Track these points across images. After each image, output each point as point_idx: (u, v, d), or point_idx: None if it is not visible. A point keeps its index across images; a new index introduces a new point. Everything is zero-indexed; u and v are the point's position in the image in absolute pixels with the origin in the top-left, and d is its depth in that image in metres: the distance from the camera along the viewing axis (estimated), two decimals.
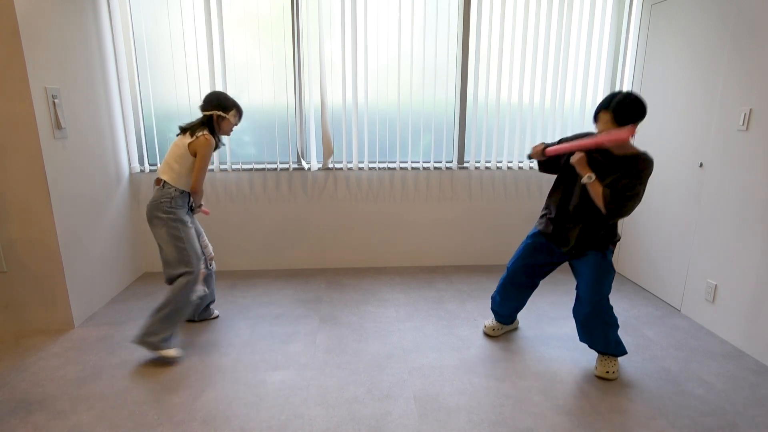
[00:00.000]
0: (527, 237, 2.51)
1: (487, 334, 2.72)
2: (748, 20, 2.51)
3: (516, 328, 2.81)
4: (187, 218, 2.50)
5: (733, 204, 2.61)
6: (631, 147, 2.09)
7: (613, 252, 2.28)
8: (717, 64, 2.72)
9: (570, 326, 2.83)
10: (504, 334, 2.74)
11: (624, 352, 2.34)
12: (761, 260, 2.44)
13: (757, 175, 2.47)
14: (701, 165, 2.84)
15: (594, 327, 2.30)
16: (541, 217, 2.45)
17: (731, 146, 2.62)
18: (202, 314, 2.86)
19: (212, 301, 2.90)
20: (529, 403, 2.11)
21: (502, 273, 3.69)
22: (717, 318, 2.74)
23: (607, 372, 2.30)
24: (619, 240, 2.29)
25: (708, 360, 2.48)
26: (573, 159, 2.17)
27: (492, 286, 3.45)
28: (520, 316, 2.96)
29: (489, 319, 2.81)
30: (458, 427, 1.96)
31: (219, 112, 2.46)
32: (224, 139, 3.47)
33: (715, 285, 2.74)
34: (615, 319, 2.31)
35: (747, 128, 2.52)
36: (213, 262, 2.77)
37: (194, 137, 2.40)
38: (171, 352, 2.40)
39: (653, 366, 2.42)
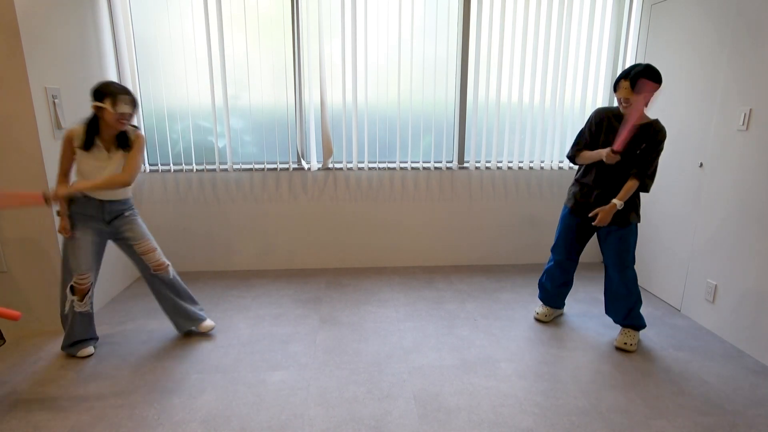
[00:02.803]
0: (560, 220, 2.73)
1: (539, 320, 2.89)
2: (748, 20, 2.51)
3: (563, 313, 3.01)
4: (79, 226, 2.32)
5: (733, 204, 2.61)
6: (646, 116, 2.36)
7: (637, 223, 2.50)
8: (717, 64, 2.72)
9: (570, 326, 2.84)
10: (554, 318, 2.94)
11: (643, 325, 2.60)
12: (761, 260, 2.44)
13: (756, 175, 2.46)
14: (701, 165, 2.84)
15: (618, 297, 2.55)
16: (574, 195, 2.62)
17: (731, 146, 2.62)
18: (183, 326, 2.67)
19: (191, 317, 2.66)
20: (529, 403, 2.11)
21: (502, 273, 3.70)
22: (717, 318, 2.74)
23: (626, 343, 2.54)
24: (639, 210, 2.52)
25: (708, 360, 2.48)
26: (597, 222, 2.44)
27: (492, 285, 3.45)
28: (521, 314, 2.96)
29: (538, 306, 2.98)
30: (458, 427, 1.96)
31: (95, 102, 2.19)
32: (224, 138, 3.49)
33: (715, 285, 2.74)
34: (638, 292, 2.55)
35: (747, 128, 2.52)
36: (161, 270, 2.51)
37: None
38: (82, 351, 2.47)
39: (653, 366, 2.42)
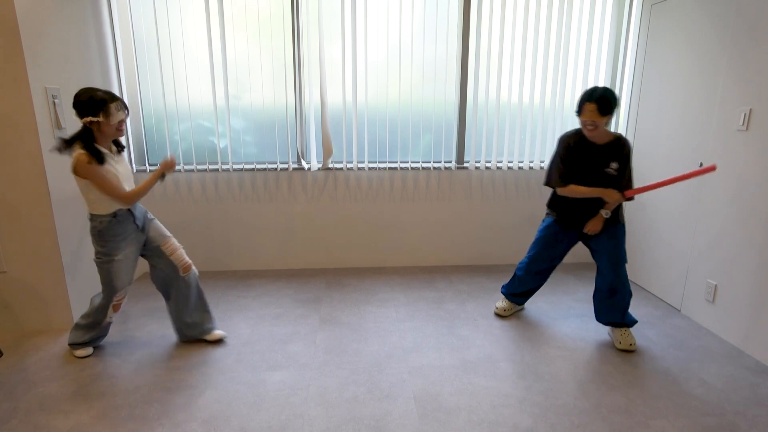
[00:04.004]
0: (540, 231, 2.75)
1: (499, 315, 2.95)
2: (748, 20, 2.51)
3: (522, 308, 3.06)
4: (123, 245, 2.27)
5: (733, 204, 2.61)
6: (608, 133, 2.42)
7: (623, 219, 2.58)
8: (717, 64, 2.72)
9: (569, 326, 2.84)
10: (512, 314, 2.99)
11: (635, 321, 2.62)
12: (761, 260, 2.44)
13: (756, 175, 2.46)
14: (701, 165, 2.84)
15: (615, 294, 2.55)
16: (553, 210, 2.68)
17: (731, 146, 2.62)
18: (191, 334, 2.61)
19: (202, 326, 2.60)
20: (529, 403, 2.11)
21: (502, 273, 3.70)
22: (717, 318, 2.74)
23: (631, 344, 2.56)
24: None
25: (708, 360, 2.48)
26: (588, 230, 2.53)
27: (492, 285, 3.45)
28: (521, 315, 2.96)
29: (500, 301, 3.01)
30: (458, 427, 1.96)
31: (89, 117, 2.09)
32: (224, 138, 3.49)
33: (715, 285, 2.74)
34: (630, 287, 2.59)
35: (747, 128, 2.52)
36: (188, 271, 2.48)
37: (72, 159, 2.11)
38: (80, 352, 2.47)
39: (653, 366, 2.42)
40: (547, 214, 2.75)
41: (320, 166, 3.60)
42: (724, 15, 2.67)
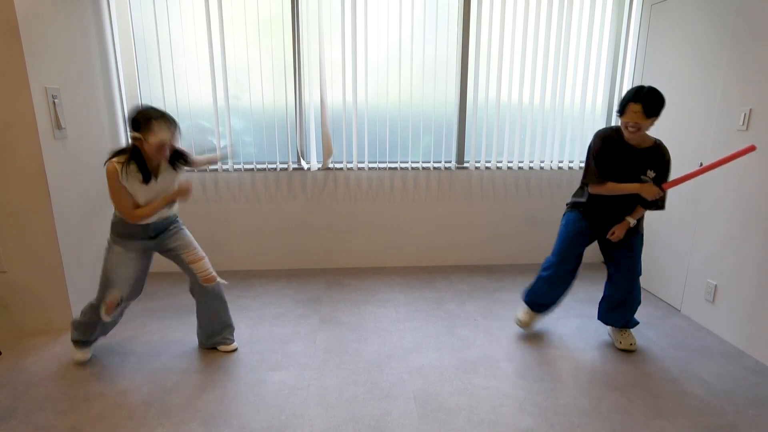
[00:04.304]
0: (565, 225, 2.58)
1: (521, 327, 2.75)
2: (748, 20, 2.51)
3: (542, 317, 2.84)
4: (124, 244, 2.24)
5: (733, 204, 2.61)
6: (647, 138, 2.29)
7: (642, 229, 2.51)
8: (717, 64, 2.72)
9: (570, 326, 2.84)
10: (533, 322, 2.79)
11: (637, 323, 2.62)
12: (761, 260, 2.44)
13: (756, 175, 2.46)
14: (701, 165, 2.84)
15: (626, 304, 2.52)
16: (579, 206, 2.55)
17: (731, 146, 2.62)
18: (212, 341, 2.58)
19: (226, 328, 2.56)
20: (529, 403, 2.11)
21: (502, 273, 3.70)
22: (717, 318, 2.74)
23: (631, 344, 2.56)
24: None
25: (708, 360, 2.48)
26: (613, 237, 2.41)
27: (492, 285, 3.45)
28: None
29: (521, 312, 2.77)
30: (458, 427, 1.96)
31: (133, 133, 2.05)
32: (224, 138, 3.49)
33: (715, 285, 2.74)
34: (640, 298, 2.58)
35: (747, 128, 2.52)
36: (210, 282, 2.43)
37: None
38: (78, 356, 2.42)
39: (653, 366, 2.42)
40: (568, 208, 2.61)
41: (320, 166, 3.60)
42: (724, 15, 2.67)
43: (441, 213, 3.78)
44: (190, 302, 3.12)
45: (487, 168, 3.70)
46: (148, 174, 2.13)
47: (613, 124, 3.64)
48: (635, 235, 2.46)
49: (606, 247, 2.55)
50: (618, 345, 2.58)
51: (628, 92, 2.18)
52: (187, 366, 2.39)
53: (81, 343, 2.42)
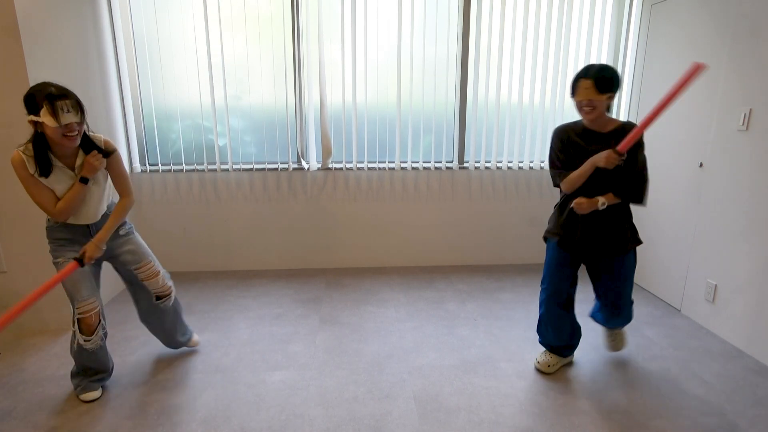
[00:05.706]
0: (547, 256, 2.32)
1: (541, 371, 2.35)
2: (748, 20, 2.51)
3: (572, 362, 2.46)
4: (65, 252, 1.97)
5: (733, 204, 2.61)
6: (611, 120, 2.08)
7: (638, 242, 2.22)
8: (717, 64, 2.71)
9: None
10: (560, 368, 2.41)
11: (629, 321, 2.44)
12: (761, 260, 2.44)
13: (757, 175, 2.46)
14: (701, 165, 2.84)
15: (625, 314, 2.35)
16: (555, 233, 2.28)
17: (731, 146, 2.62)
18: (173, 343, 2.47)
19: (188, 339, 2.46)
20: (529, 403, 2.11)
21: (502, 273, 3.70)
22: (717, 318, 2.74)
23: (625, 345, 2.50)
24: (640, 243, 2.22)
25: (708, 360, 2.48)
26: (575, 207, 2.09)
27: (492, 285, 3.45)
28: (521, 314, 2.96)
29: (540, 354, 2.44)
30: (458, 427, 1.96)
31: (31, 116, 1.72)
32: (224, 138, 3.48)
33: (715, 285, 2.74)
34: (631, 314, 2.41)
35: (747, 128, 2.52)
36: (165, 298, 2.24)
37: None
38: (86, 395, 2.10)
39: (653, 366, 2.42)
40: (545, 237, 2.35)
41: (320, 166, 3.60)
42: (724, 15, 2.67)
43: (441, 213, 3.78)
44: (190, 302, 3.13)
45: (487, 168, 3.70)
46: (46, 165, 1.79)
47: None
48: (626, 254, 2.18)
49: (592, 269, 2.29)
50: (609, 348, 2.51)
51: (578, 71, 2.02)
52: (186, 366, 2.39)
53: (81, 387, 2.12)
